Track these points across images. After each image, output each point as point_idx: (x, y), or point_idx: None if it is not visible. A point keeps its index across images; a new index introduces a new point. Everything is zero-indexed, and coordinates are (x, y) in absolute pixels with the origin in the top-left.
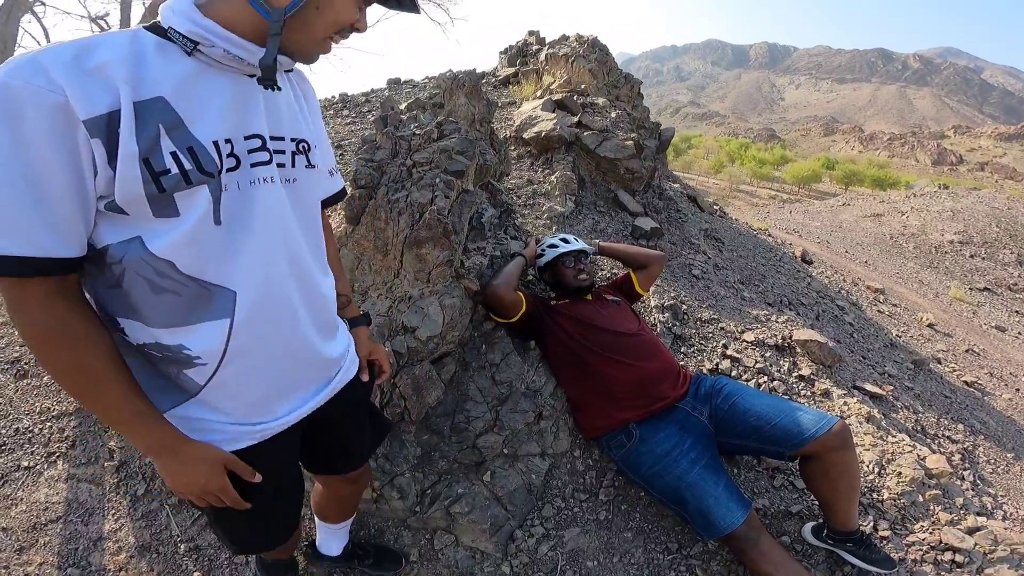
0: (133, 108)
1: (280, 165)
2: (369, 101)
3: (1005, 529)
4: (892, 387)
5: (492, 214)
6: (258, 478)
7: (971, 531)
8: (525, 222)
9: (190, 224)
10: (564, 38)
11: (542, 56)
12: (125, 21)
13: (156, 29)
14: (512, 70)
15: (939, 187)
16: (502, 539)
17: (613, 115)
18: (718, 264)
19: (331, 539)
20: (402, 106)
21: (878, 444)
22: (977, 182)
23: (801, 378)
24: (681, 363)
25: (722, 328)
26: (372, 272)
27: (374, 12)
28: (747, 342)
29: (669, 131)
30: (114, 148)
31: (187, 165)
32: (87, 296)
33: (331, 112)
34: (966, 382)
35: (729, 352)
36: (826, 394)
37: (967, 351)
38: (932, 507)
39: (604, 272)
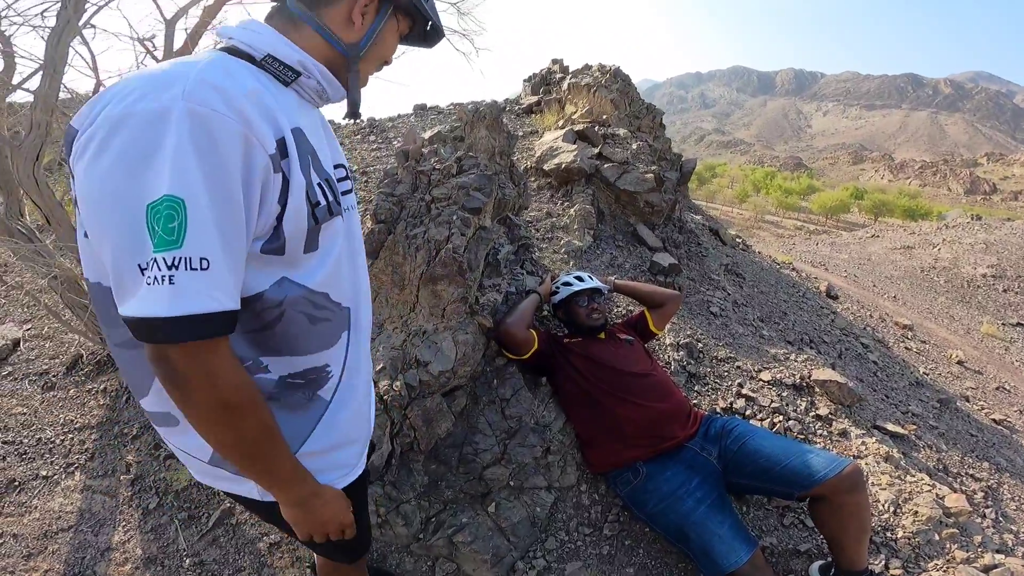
0: (293, 138)
1: (351, 191)
2: (396, 127)
3: (1022, 566)
4: (915, 426)
5: (508, 250)
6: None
7: (987, 569)
8: (542, 256)
9: (334, 255)
10: (587, 67)
11: (565, 85)
12: (168, 49)
13: (238, 54)
14: (535, 98)
15: (972, 218)
16: (503, 570)
17: (634, 146)
18: (738, 301)
19: None
20: (425, 135)
21: (895, 483)
22: (1011, 212)
23: (818, 418)
24: (694, 402)
25: (738, 367)
26: (388, 306)
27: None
28: (764, 381)
29: (691, 162)
30: (287, 181)
31: (329, 196)
32: None
33: (358, 137)
34: (994, 420)
35: (744, 391)
36: (844, 434)
37: (997, 388)
38: (948, 545)
39: (620, 309)
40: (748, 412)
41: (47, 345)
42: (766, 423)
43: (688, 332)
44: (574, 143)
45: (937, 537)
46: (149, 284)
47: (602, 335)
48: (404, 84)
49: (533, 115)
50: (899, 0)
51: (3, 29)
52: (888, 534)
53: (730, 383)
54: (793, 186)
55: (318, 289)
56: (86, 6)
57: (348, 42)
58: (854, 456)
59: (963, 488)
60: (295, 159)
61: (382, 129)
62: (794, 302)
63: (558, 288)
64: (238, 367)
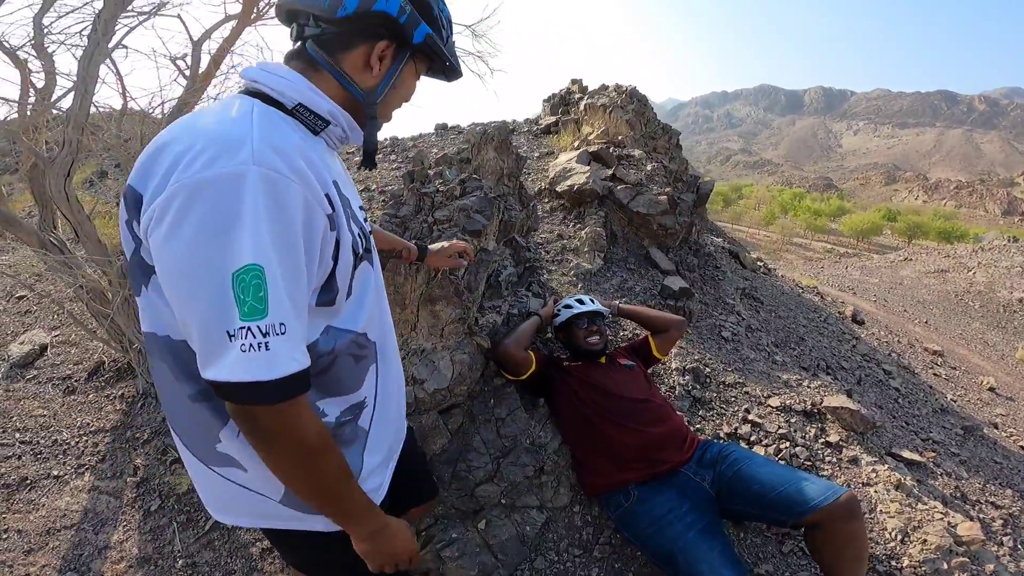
0: (338, 192)
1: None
2: (416, 146)
3: None
4: (934, 453)
5: (511, 272)
6: None
7: None
8: (550, 279)
9: (370, 297)
10: (603, 88)
11: (582, 106)
12: (194, 69)
13: (267, 101)
14: (554, 119)
15: (1009, 240)
16: None
17: (649, 168)
18: (751, 325)
19: None
20: (433, 151)
21: (905, 511)
22: None
23: (828, 444)
24: (697, 427)
25: (746, 392)
26: None
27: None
28: (772, 407)
29: (708, 184)
30: (339, 239)
31: (364, 244)
32: None
33: (379, 156)
34: (1022, 446)
35: (751, 417)
36: (854, 461)
37: None
38: (957, 574)
39: (625, 333)
40: (753, 438)
41: (72, 351)
42: (771, 449)
43: (696, 357)
44: (588, 164)
45: (946, 566)
46: (244, 351)
47: (603, 360)
48: (419, 107)
49: (551, 135)
50: (929, 15)
51: (46, 47)
52: (893, 563)
53: (736, 409)
54: (822, 207)
55: (362, 331)
56: (115, 28)
57: (365, 87)
58: (863, 484)
59: (981, 516)
60: (341, 211)
61: (404, 148)
62: (814, 327)
63: (559, 311)
64: (315, 416)
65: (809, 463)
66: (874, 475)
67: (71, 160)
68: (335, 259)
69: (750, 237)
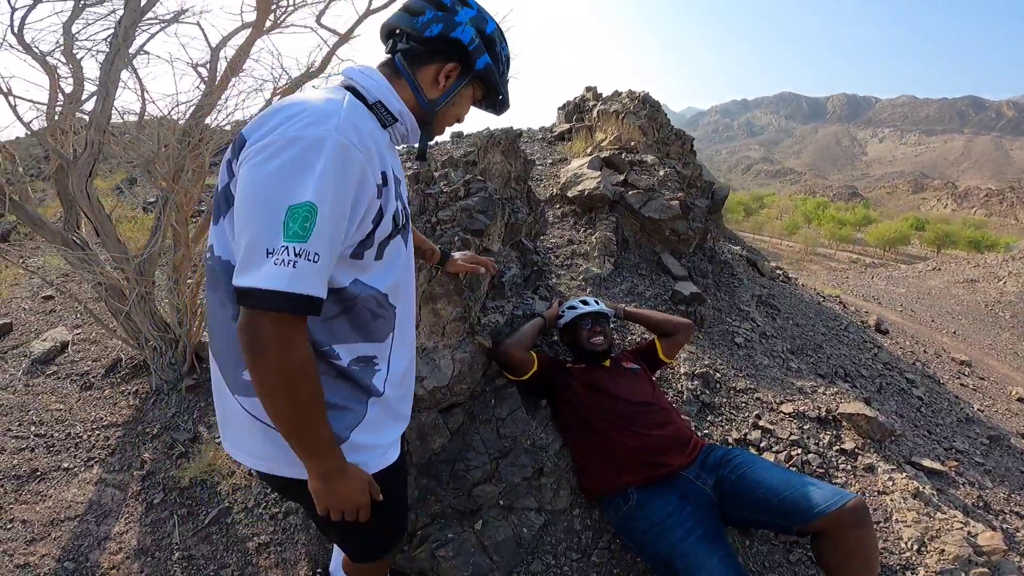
0: (392, 173)
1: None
2: (431, 152)
3: None
4: (957, 462)
5: (515, 274)
6: (380, 498)
7: None
8: (559, 283)
9: (398, 270)
10: (616, 94)
11: (595, 112)
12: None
13: (356, 94)
14: (568, 126)
15: None
16: None
17: (661, 173)
18: (766, 332)
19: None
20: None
21: (922, 521)
22: None
23: (842, 452)
24: (704, 432)
25: (758, 398)
26: None
27: None
28: (784, 413)
29: (723, 190)
30: (383, 207)
31: (402, 220)
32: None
33: (401, 159)
34: None
35: (762, 423)
36: (870, 469)
37: None
38: None
39: (634, 337)
40: (763, 444)
41: (92, 349)
42: (782, 456)
43: (706, 362)
44: (599, 170)
45: None
46: (276, 264)
47: (607, 362)
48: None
49: (564, 142)
50: (954, 20)
51: (75, 52)
52: (908, 573)
53: (747, 414)
54: (847, 217)
55: (384, 291)
56: (135, 34)
57: (430, 98)
58: (878, 492)
59: (1005, 526)
60: (392, 187)
61: (415, 153)
62: (833, 335)
63: (563, 312)
64: (308, 344)
65: (822, 470)
66: (891, 483)
67: (92, 161)
68: (376, 223)
69: (772, 247)
